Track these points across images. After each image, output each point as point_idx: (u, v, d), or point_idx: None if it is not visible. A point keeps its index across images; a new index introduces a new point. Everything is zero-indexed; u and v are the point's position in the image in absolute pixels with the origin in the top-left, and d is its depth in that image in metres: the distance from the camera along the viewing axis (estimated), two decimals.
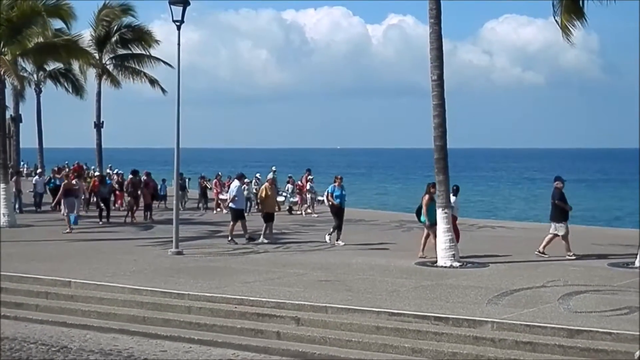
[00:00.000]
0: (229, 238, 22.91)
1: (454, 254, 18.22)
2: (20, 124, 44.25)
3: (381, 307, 13.14)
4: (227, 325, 13.22)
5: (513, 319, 12.19)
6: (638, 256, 17.68)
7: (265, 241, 22.82)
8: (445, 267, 17.89)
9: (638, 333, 11.05)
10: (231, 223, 23.27)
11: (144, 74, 42.50)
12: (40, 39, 29.88)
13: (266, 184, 24.81)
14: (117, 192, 35.67)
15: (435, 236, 18.61)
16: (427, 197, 19.29)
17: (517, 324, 11.90)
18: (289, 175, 38.39)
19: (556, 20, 19.72)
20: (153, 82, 42.54)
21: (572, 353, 10.96)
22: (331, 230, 22.77)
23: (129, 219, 30.39)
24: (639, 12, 19.07)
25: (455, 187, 20.05)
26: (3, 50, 28.32)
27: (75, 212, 27.24)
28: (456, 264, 18.03)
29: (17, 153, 41.36)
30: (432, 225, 18.79)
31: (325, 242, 22.45)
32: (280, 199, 34.34)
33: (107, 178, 35.86)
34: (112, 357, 11.99)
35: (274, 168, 38.59)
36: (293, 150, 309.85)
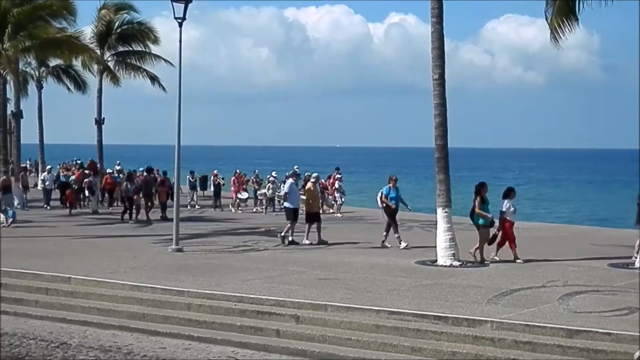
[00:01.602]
0: (288, 238, 22.13)
1: (454, 253, 18.21)
2: (21, 120, 44.20)
3: (381, 306, 13.14)
4: (227, 322, 13.23)
5: (512, 318, 12.19)
6: (638, 257, 17.68)
7: (307, 242, 22.12)
8: (445, 266, 17.89)
9: (637, 334, 11.06)
10: (288, 224, 22.36)
11: (145, 70, 42.54)
12: (44, 36, 29.99)
13: (310, 183, 23.59)
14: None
15: (487, 238, 18.39)
16: (478, 198, 18.65)
17: (517, 324, 11.91)
18: (307, 173, 37.61)
19: (547, 18, 19.73)
20: (153, 79, 42.57)
21: (572, 353, 10.97)
22: (384, 234, 21.57)
23: (141, 217, 29.85)
24: (639, 13, 19.10)
25: (507, 190, 19.05)
26: (5, 46, 28.35)
27: (13, 207, 27.40)
28: (456, 263, 18.04)
29: (17, 149, 41.19)
30: (485, 226, 18.48)
31: (385, 247, 21.22)
32: (303, 197, 34.01)
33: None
34: (112, 354, 12.01)
35: (296, 167, 37.23)
36: (293, 149, 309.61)
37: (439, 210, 18.62)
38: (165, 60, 41.26)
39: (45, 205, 34.20)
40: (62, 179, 35.95)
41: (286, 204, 23.12)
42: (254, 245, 21.96)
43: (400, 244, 21.00)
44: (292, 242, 21.99)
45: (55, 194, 35.94)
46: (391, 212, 21.64)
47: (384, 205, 21.75)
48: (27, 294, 15.58)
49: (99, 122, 41.44)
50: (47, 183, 34.99)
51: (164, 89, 42.17)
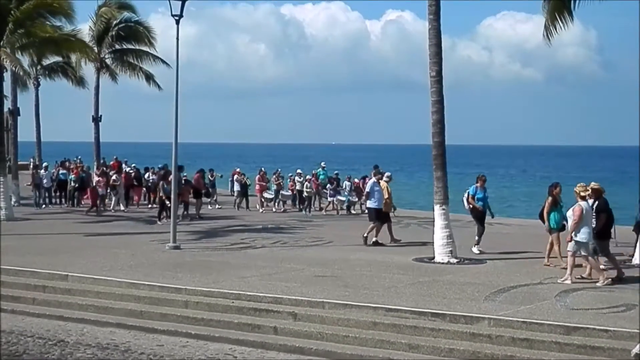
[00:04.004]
0: (372, 239, 21.26)
1: (451, 250, 18.23)
2: (19, 117, 44.20)
3: (378, 303, 13.15)
4: (224, 320, 13.23)
5: (510, 315, 12.21)
6: (636, 253, 17.71)
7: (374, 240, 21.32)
8: (443, 263, 17.90)
9: (635, 330, 11.08)
10: (372, 224, 21.50)
11: (140, 69, 42.52)
12: (41, 34, 30.00)
13: (383, 181, 22.23)
14: (135, 187, 35.38)
15: (557, 242, 17.43)
16: (550, 199, 17.61)
17: (514, 321, 11.92)
18: (336, 172, 36.17)
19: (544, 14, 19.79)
20: (149, 78, 42.54)
21: (569, 350, 10.99)
22: (477, 239, 20.01)
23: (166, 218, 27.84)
24: (639, 11, 19.15)
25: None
26: (2, 43, 28.32)
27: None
28: (453, 260, 18.05)
29: (15, 146, 41.10)
30: (554, 230, 17.51)
31: (475, 254, 19.47)
32: (341, 198, 33.14)
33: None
34: (109, 351, 12.00)
35: (323, 164, 36.83)
36: (289, 146, 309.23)
37: (437, 208, 18.62)
38: (163, 61, 41.38)
39: (42, 204, 34.03)
40: (61, 176, 35.72)
41: (369, 204, 22.03)
42: (251, 242, 21.95)
43: (474, 247, 19.79)
44: (376, 243, 21.16)
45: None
46: (477, 215, 20.27)
47: (471, 206, 20.37)
48: (24, 292, 15.56)
49: (96, 119, 41.39)
50: (44, 181, 34.81)
51: (159, 87, 42.28)
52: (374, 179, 22.36)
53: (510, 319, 12.02)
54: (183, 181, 29.41)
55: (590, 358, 10.78)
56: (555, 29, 19.65)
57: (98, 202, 31.89)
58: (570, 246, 15.27)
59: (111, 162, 40.37)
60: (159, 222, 27.25)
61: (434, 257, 18.29)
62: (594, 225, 15.65)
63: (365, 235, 21.38)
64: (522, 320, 11.93)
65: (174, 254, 19.55)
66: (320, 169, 36.07)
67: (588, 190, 15.64)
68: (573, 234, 15.12)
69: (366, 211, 29.04)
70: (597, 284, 14.94)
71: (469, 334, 11.74)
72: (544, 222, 17.80)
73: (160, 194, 28.09)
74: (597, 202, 16.10)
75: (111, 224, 27.49)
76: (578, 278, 15.44)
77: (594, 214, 15.78)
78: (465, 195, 20.65)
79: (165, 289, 14.87)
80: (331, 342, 12.04)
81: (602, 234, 15.95)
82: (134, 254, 19.21)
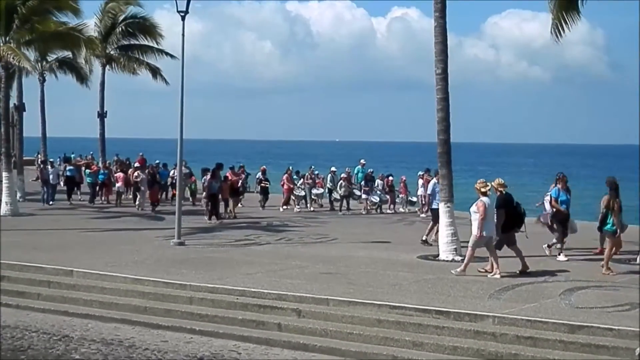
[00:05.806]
0: (423, 239, 20.80)
1: (455, 248, 18.22)
2: (24, 113, 44.24)
3: (382, 300, 13.15)
4: (229, 316, 13.25)
5: (514, 313, 12.20)
6: None
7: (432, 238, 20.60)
8: (447, 261, 17.89)
9: (639, 329, 11.06)
10: (432, 224, 20.74)
11: (147, 64, 42.50)
12: (46, 29, 30.06)
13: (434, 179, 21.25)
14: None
15: (618, 246, 16.61)
16: (618, 203, 16.38)
17: (519, 319, 11.92)
18: (371, 169, 34.89)
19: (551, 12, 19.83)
20: (155, 72, 42.50)
21: (573, 348, 10.98)
22: (554, 242, 18.76)
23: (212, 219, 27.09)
24: (639, 9, 19.14)
25: None
26: (7, 39, 28.36)
27: None
28: (458, 258, 18.01)
29: (20, 142, 41.08)
30: (614, 233, 16.36)
31: (546, 254, 18.65)
32: (374, 199, 32.49)
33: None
34: (114, 347, 12.03)
35: (362, 161, 35.93)
36: (291, 143, 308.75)
37: (441, 205, 18.63)
38: (167, 53, 41.26)
39: (50, 201, 33.99)
40: (67, 173, 35.70)
41: (434, 205, 20.64)
42: (255, 239, 21.97)
43: (560, 255, 18.39)
44: (425, 242, 20.66)
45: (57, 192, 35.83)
46: (561, 218, 18.68)
47: (554, 210, 18.75)
48: (29, 287, 15.61)
49: (102, 115, 41.40)
50: (51, 177, 34.78)
51: (166, 82, 42.26)
52: (435, 180, 21.34)
53: (515, 317, 12.02)
54: (222, 178, 28.52)
55: (595, 357, 10.77)
56: (563, 28, 19.67)
57: (159, 196, 32.03)
58: (472, 240, 15.84)
59: (137, 159, 40.36)
60: (208, 221, 26.57)
61: (438, 255, 18.28)
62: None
63: (424, 238, 20.80)
64: (526, 318, 11.92)
65: (178, 250, 19.58)
66: (359, 166, 35.19)
67: (488, 186, 16.10)
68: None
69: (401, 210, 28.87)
70: (489, 276, 15.48)
71: (473, 332, 11.74)
72: (602, 226, 16.61)
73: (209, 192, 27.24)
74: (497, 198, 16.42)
75: (117, 220, 27.52)
76: (481, 271, 15.89)
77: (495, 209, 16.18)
78: (547, 198, 19.19)
79: (170, 285, 14.90)
80: (335, 339, 12.05)
81: (504, 228, 16.24)
82: (139, 250, 19.24)
